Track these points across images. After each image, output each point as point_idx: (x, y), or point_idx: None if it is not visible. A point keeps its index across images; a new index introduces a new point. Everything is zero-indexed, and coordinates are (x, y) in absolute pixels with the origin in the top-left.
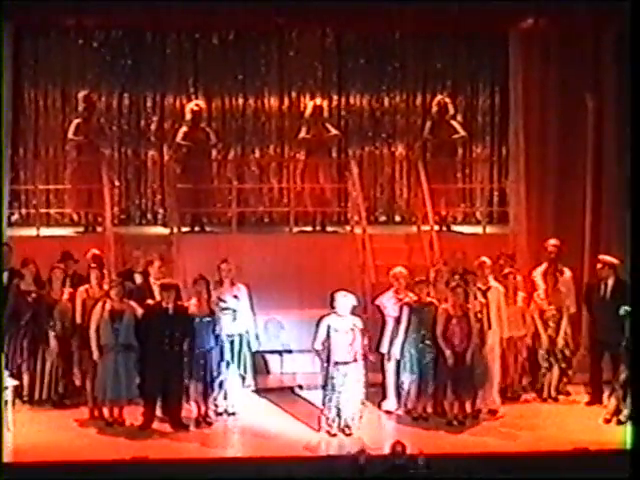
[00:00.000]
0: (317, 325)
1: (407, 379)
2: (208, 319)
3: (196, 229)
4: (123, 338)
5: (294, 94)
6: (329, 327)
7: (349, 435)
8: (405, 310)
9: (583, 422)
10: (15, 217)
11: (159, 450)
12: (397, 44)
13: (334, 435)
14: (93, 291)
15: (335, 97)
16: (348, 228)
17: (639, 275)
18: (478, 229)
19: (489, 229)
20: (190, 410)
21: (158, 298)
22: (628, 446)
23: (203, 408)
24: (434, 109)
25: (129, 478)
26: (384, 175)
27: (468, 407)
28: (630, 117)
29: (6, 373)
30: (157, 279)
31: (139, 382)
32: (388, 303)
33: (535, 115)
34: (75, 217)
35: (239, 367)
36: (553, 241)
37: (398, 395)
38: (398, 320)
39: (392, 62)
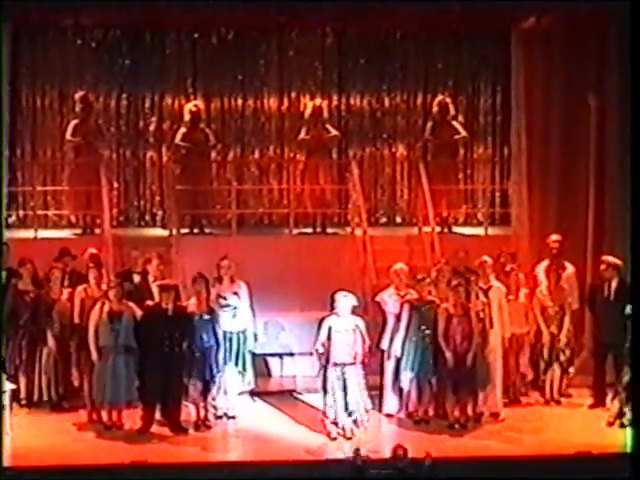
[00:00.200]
0: (318, 327)
1: (407, 378)
2: (207, 317)
3: (195, 231)
4: (122, 340)
5: (294, 94)
6: (330, 328)
7: (350, 439)
8: (406, 307)
9: (586, 425)
10: (12, 219)
11: (158, 454)
12: (398, 44)
13: (334, 439)
14: (92, 291)
15: (335, 97)
16: (349, 230)
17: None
18: (480, 230)
19: (491, 230)
20: (189, 413)
21: (157, 299)
22: (628, 449)
23: (202, 411)
24: (435, 109)
25: None
26: (385, 176)
27: (470, 410)
28: (631, 117)
29: (4, 377)
30: (156, 278)
31: (138, 384)
32: (389, 300)
33: (537, 115)
34: (73, 219)
35: (237, 365)
36: (555, 236)
37: (399, 397)
38: (398, 317)
39: (393, 62)
